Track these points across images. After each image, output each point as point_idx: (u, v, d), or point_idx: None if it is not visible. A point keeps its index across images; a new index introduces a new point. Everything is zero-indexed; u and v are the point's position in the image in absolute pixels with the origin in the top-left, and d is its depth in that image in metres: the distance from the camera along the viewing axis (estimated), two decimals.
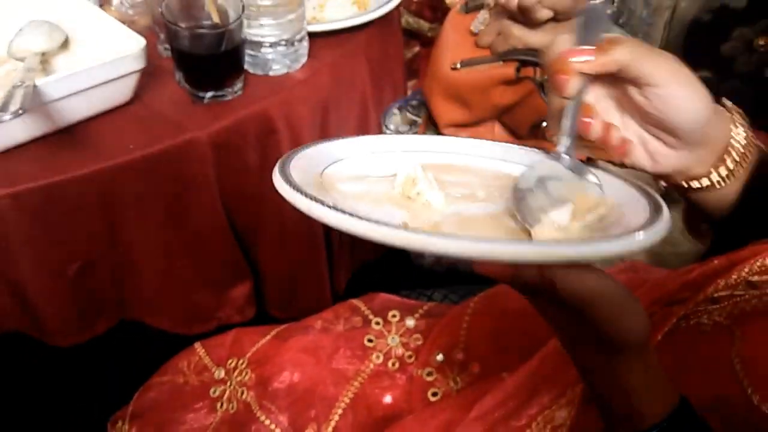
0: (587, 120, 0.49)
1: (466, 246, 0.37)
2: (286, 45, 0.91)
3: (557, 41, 0.51)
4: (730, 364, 0.46)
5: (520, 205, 0.49)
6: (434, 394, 0.68)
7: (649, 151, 0.52)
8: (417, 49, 1.66)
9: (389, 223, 0.39)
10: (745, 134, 0.52)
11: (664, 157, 0.52)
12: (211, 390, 0.72)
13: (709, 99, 0.50)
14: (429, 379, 0.69)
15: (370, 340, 0.72)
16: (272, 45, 0.90)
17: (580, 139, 0.50)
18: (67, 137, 0.78)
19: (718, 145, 0.52)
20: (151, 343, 0.87)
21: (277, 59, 0.91)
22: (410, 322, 0.73)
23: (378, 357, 0.71)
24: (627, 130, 0.52)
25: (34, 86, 0.71)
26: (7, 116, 0.65)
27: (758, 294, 0.48)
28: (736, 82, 0.79)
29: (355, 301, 0.77)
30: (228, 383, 0.72)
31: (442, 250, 0.37)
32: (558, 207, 0.48)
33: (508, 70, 0.95)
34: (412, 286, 0.87)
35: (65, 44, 0.88)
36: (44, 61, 0.85)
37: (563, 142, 0.50)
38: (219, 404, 0.71)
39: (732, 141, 0.52)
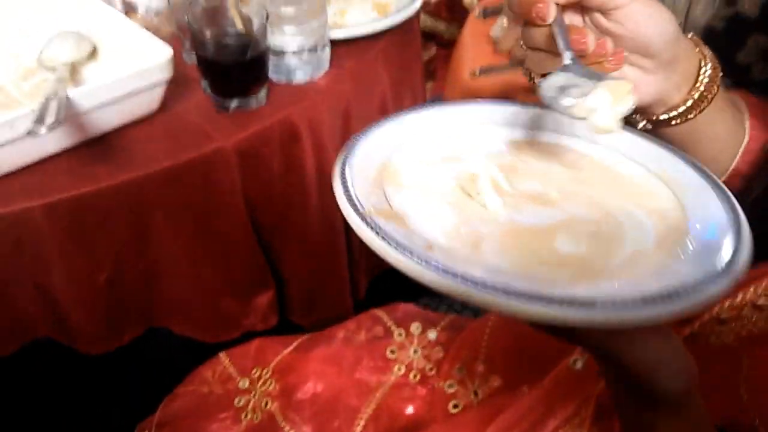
0: (581, 37, 0.49)
1: (489, 299, 0.37)
2: (309, 52, 0.92)
3: None
4: (737, 389, 0.46)
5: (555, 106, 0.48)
6: (455, 406, 0.69)
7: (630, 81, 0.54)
8: (434, 50, 1.67)
9: (414, 251, 0.39)
10: (710, 71, 0.55)
11: (644, 83, 0.54)
12: (236, 400, 0.73)
13: (673, 17, 0.52)
14: (450, 391, 0.70)
15: (392, 352, 0.74)
16: (295, 53, 0.91)
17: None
18: (97, 148, 0.79)
19: (689, 71, 0.55)
20: (177, 353, 0.89)
21: (300, 67, 0.92)
22: (432, 335, 0.74)
23: (400, 369, 0.72)
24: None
25: (67, 97, 0.73)
26: (43, 129, 0.66)
27: (765, 317, 0.49)
28: (755, 90, 0.79)
29: (378, 311, 0.79)
30: (252, 393, 0.74)
31: (465, 296, 0.37)
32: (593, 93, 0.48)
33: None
34: (433, 292, 0.88)
35: (93, 53, 0.90)
36: (73, 70, 0.86)
37: (566, 55, 0.49)
38: (243, 414, 0.72)
39: (699, 74, 0.55)
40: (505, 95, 0.97)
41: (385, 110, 1.06)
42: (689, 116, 0.55)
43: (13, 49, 0.91)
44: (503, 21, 1.01)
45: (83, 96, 0.75)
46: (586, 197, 0.51)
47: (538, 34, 0.51)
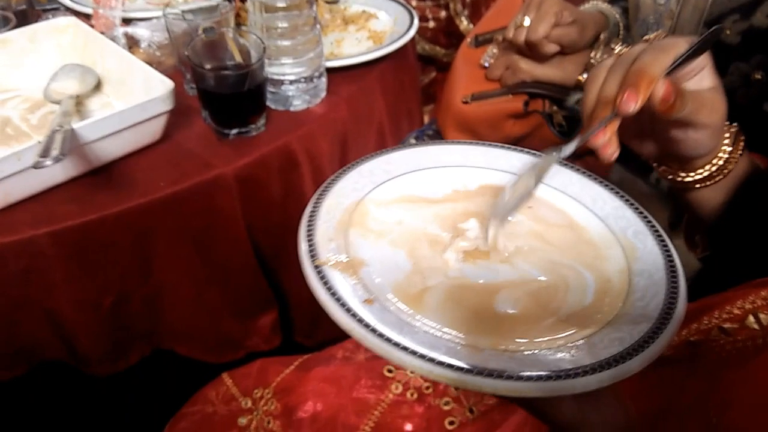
0: (603, 133, 0.51)
1: (413, 362, 0.40)
2: (305, 81, 0.95)
3: (666, 45, 0.51)
4: (708, 413, 0.47)
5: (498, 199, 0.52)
6: (451, 423, 0.70)
7: (641, 142, 0.57)
8: (434, 74, 1.70)
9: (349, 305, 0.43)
10: (730, 151, 0.57)
11: (648, 150, 0.57)
12: (239, 419, 0.75)
13: (717, 144, 0.54)
14: (446, 408, 0.72)
15: (389, 371, 0.75)
16: (293, 82, 0.94)
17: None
18: (101, 176, 0.82)
19: (698, 164, 0.57)
20: (181, 374, 0.91)
21: (297, 95, 0.95)
22: None
23: (397, 387, 0.74)
24: (636, 119, 0.54)
25: (71, 130, 0.76)
26: (48, 161, 0.69)
27: (732, 341, 0.50)
28: (738, 115, 0.82)
29: None
30: (255, 413, 0.75)
31: (396, 361, 0.41)
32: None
33: (518, 103, 0.98)
34: None
35: (97, 86, 0.93)
36: (78, 103, 0.90)
37: (571, 146, 0.52)
38: None
39: (716, 158, 0.57)
40: (494, 120, 1.00)
41: (382, 135, 1.09)
42: (707, 183, 0.58)
43: (21, 83, 0.94)
44: (493, 50, 1.04)
45: (88, 128, 0.78)
46: (542, 255, 0.52)
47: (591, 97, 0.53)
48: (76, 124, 0.77)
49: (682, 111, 0.50)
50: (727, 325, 0.51)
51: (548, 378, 0.40)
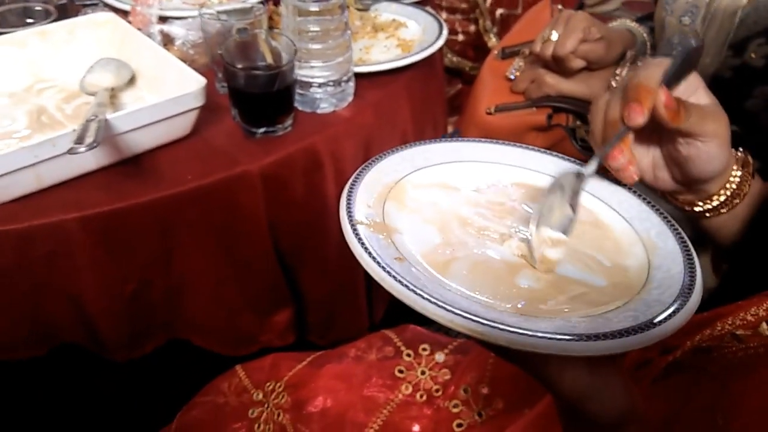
0: (619, 152, 0.54)
1: (434, 310, 0.43)
2: (333, 85, 0.97)
3: (649, 63, 0.54)
4: (718, 420, 0.48)
5: (537, 205, 0.55)
6: (459, 425, 0.71)
7: (655, 174, 0.58)
8: (459, 86, 1.72)
9: (385, 262, 0.46)
10: (741, 174, 0.58)
11: (665, 182, 0.58)
12: (250, 411, 0.76)
13: (729, 160, 0.55)
14: (455, 410, 0.72)
15: (400, 371, 0.76)
16: (321, 85, 0.96)
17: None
18: (131, 167, 0.84)
19: (713, 188, 0.58)
20: (196, 364, 0.92)
21: (325, 98, 0.97)
22: (440, 357, 0.77)
23: (407, 388, 0.75)
24: (648, 149, 0.57)
25: (105, 120, 0.78)
26: (82, 148, 0.71)
27: (744, 347, 0.50)
28: (762, 137, 0.81)
29: (388, 332, 0.81)
30: (265, 405, 0.76)
31: (420, 308, 0.44)
32: (552, 224, 0.55)
33: (541, 116, 0.99)
34: None
35: (132, 80, 0.96)
36: (112, 96, 0.92)
37: (592, 164, 0.56)
38: (257, 425, 0.75)
39: (727, 183, 0.58)
40: (517, 132, 1.01)
41: (405, 141, 1.09)
42: (721, 211, 0.59)
43: (58, 74, 0.97)
44: (519, 62, 1.05)
45: (121, 120, 0.80)
46: (567, 245, 0.55)
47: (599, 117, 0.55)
48: (110, 115, 0.79)
49: (688, 119, 0.51)
50: (740, 332, 0.51)
51: (567, 339, 0.42)
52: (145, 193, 0.81)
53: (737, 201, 0.58)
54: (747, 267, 0.63)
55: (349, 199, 0.53)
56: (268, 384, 0.78)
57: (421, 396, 0.74)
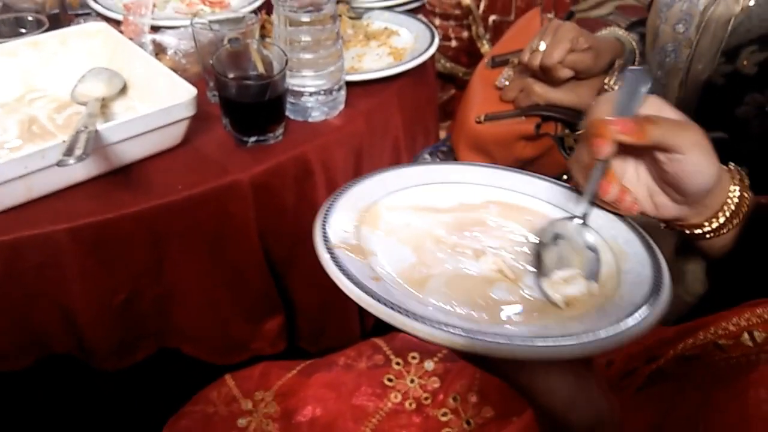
0: (608, 184, 0.55)
1: (413, 325, 0.44)
2: (325, 94, 0.97)
3: (599, 100, 0.56)
4: (701, 430, 0.48)
5: (537, 256, 0.55)
6: None
7: (655, 202, 0.57)
8: (452, 92, 1.73)
9: (359, 279, 0.47)
10: (739, 193, 0.58)
11: (667, 208, 0.57)
12: (239, 421, 0.76)
13: (719, 168, 0.55)
14: (444, 419, 0.73)
15: (390, 380, 0.76)
16: (312, 94, 0.96)
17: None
18: (121, 177, 0.84)
19: (715, 203, 0.57)
20: (185, 373, 0.92)
21: (316, 107, 0.97)
22: (429, 365, 0.77)
23: (396, 396, 0.75)
24: (639, 179, 0.57)
25: (96, 131, 0.78)
26: (71, 160, 0.71)
27: (726, 357, 0.51)
28: (752, 145, 0.81)
29: (377, 340, 0.81)
30: (254, 414, 0.76)
31: (400, 324, 0.44)
32: (564, 268, 0.54)
33: (530, 125, 0.99)
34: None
35: (123, 90, 0.96)
36: (104, 105, 0.92)
37: (582, 206, 0.57)
38: None
39: (728, 199, 0.57)
40: (506, 141, 1.01)
41: (397, 149, 1.10)
42: (722, 232, 0.59)
43: (49, 84, 0.98)
44: (509, 71, 1.06)
45: (112, 130, 0.80)
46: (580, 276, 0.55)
47: (585, 157, 0.56)
48: (101, 126, 0.79)
49: (658, 131, 0.52)
50: (722, 341, 0.52)
51: (544, 343, 0.43)
52: (135, 203, 0.81)
53: (737, 220, 0.58)
54: (732, 277, 0.64)
55: (324, 225, 0.53)
56: (257, 393, 0.78)
57: (411, 404, 0.75)
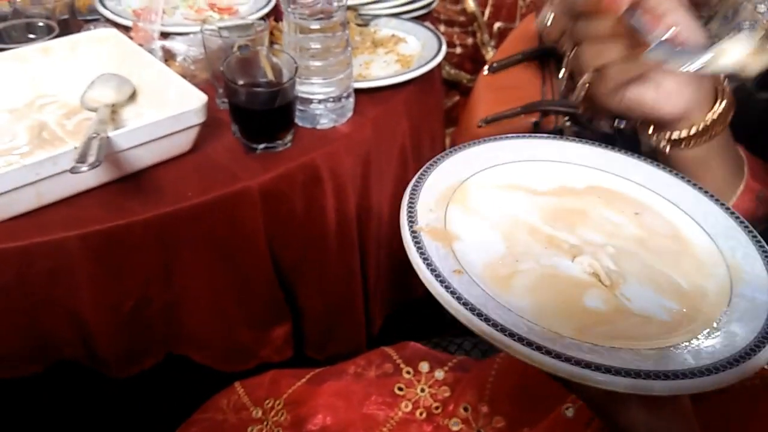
0: (655, 20, 0.52)
1: (504, 341, 0.40)
2: (334, 101, 0.97)
3: None
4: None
5: None
6: None
7: (660, 91, 0.57)
8: (457, 98, 1.73)
9: (441, 272, 0.44)
10: (723, 108, 0.59)
11: (679, 93, 0.57)
12: (249, 429, 0.76)
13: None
14: (455, 428, 0.73)
15: (400, 389, 0.76)
16: (321, 101, 0.96)
17: None
18: (131, 183, 0.84)
19: (711, 93, 0.59)
20: (194, 381, 0.92)
21: (324, 114, 0.97)
22: (439, 374, 0.77)
23: (407, 405, 0.75)
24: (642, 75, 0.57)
25: (107, 137, 0.78)
26: (84, 167, 0.71)
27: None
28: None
29: (388, 349, 0.81)
30: (264, 422, 0.76)
31: (487, 335, 0.41)
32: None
33: (530, 123, 0.99)
34: (444, 330, 0.91)
35: (132, 96, 0.96)
36: (113, 112, 0.92)
37: (655, 37, 0.52)
38: None
39: (717, 98, 0.59)
40: None
41: (404, 157, 1.10)
42: (703, 138, 0.58)
43: (59, 90, 0.97)
44: (550, 14, 1.02)
45: (122, 137, 0.80)
46: (640, 261, 0.51)
47: (601, 25, 0.54)
48: (112, 132, 0.79)
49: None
50: None
51: (626, 374, 0.39)
52: (145, 209, 0.81)
53: (719, 128, 0.59)
54: None
55: (411, 202, 0.50)
56: (267, 401, 0.78)
57: (421, 413, 0.74)
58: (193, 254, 0.86)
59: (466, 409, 0.73)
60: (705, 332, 0.45)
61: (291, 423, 0.75)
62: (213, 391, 0.82)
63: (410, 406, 0.75)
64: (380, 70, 1.12)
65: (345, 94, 0.98)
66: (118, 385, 0.92)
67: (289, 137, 0.94)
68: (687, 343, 0.44)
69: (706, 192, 0.57)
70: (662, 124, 0.61)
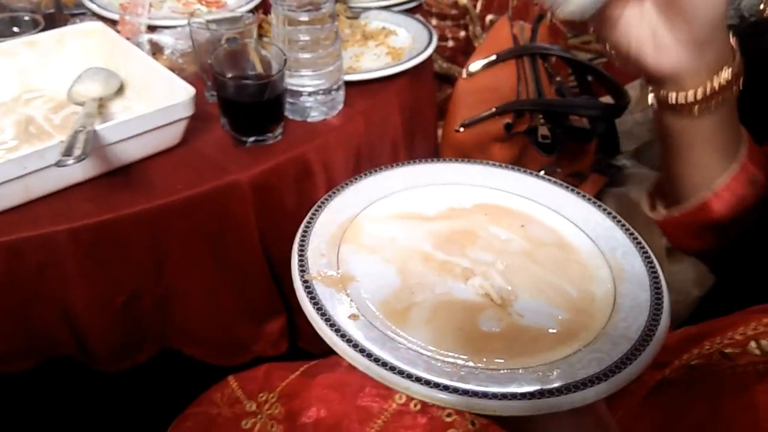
0: None
1: (401, 383, 0.44)
2: (324, 94, 0.97)
3: None
4: None
5: None
6: None
7: (657, 43, 0.56)
8: (449, 91, 1.72)
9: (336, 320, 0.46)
10: (728, 75, 0.57)
11: (667, 51, 0.56)
12: (243, 422, 0.75)
13: (727, 5, 0.53)
14: (448, 420, 0.72)
15: None
16: (311, 94, 0.96)
17: None
18: (120, 177, 0.84)
19: (714, 65, 0.56)
20: (188, 375, 0.91)
21: (315, 107, 0.97)
22: None
23: (401, 397, 0.74)
24: (642, 17, 0.55)
25: (94, 131, 0.78)
26: (71, 160, 0.71)
27: (732, 365, 0.50)
28: None
29: None
30: (258, 416, 0.75)
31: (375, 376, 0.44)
32: None
33: (501, 125, 0.99)
34: None
35: (120, 90, 0.95)
36: (101, 105, 0.92)
37: None
38: None
39: (721, 73, 0.56)
40: (481, 144, 1.01)
41: (396, 149, 1.10)
42: (695, 108, 0.57)
43: (46, 84, 0.97)
44: None
45: (110, 130, 0.80)
46: (529, 275, 0.53)
47: None
48: (99, 126, 0.79)
49: None
50: (728, 350, 0.51)
51: (531, 396, 0.41)
52: (134, 203, 0.80)
53: (714, 102, 0.57)
54: (735, 277, 0.63)
55: (301, 250, 0.51)
56: (261, 394, 0.77)
57: (415, 405, 0.74)
58: (184, 248, 0.85)
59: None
60: (596, 336, 0.47)
61: (285, 416, 0.74)
62: (207, 385, 0.81)
63: (404, 398, 0.74)
64: (371, 62, 1.12)
65: (335, 87, 0.98)
66: (112, 380, 0.91)
67: (279, 130, 0.93)
68: (583, 350, 0.46)
69: (584, 196, 0.59)
70: (657, 80, 0.59)
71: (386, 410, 0.74)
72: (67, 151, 0.72)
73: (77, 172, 0.80)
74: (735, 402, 0.47)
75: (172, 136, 0.87)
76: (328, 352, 0.85)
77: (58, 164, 0.71)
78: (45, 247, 0.77)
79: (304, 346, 1.05)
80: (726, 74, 0.57)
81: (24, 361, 0.84)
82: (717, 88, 0.57)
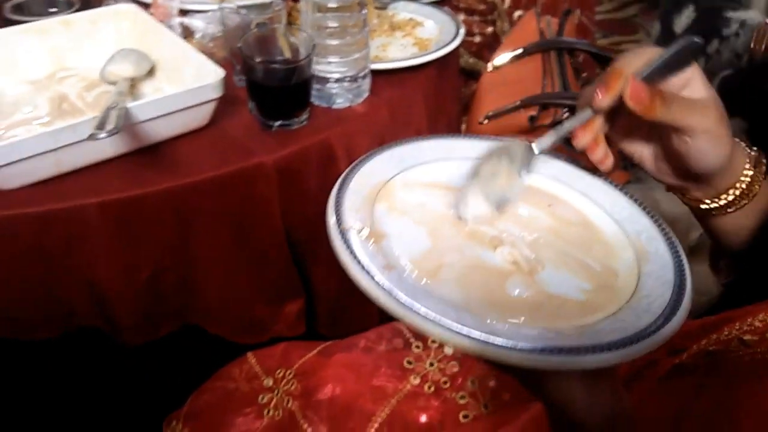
0: (582, 131, 0.54)
1: (423, 324, 0.43)
2: (350, 81, 0.98)
3: (642, 51, 0.53)
4: (725, 422, 0.48)
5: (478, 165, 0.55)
6: (465, 417, 0.72)
7: (657, 165, 0.57)
8: (475, 86, 1.72)
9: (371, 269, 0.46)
10: (750, 179, 0.57)
11: (667, 176, 0.57)
12: (260, 397, 0.77)
13: (729, 151, 0.54)
14: (462, 402, 0.73)
15: (409, 362, 0.77)
16: (337, 80, 0.97)
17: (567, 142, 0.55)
18: (149, 155, 0.85)
19: (721, 185, 0.57)
20: (208, 349, 0.93)
21: (340, 93, 0.98)
22: (449, 350, 0.77)
23: (415, 378, 0.75)
24: (649, 137, 0.56)
25: (126, 108, 0.80)
26: (102, 134, 0.72)
27: (751, 352, 0.50)
28: None
29: (398, 324, 0.82)
30: (275, 392, 0.77)
31: (409, 321, 0.43)
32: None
33: (525, 118, 0.99)
34: None
35: (151, 71, 0.97)
36: (132, 86, 0.94)
37: (546, 139, 0.55)
38: (266, 410, 0.76)
39: (738, 182, 0.57)
40: (503, 136, 1.01)
41: None
42: (727, 210, 0.58)
43: (79, 63, 0.99)
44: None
45: (141, 108, 0.81)
46: (555, 249, 0.54)
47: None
48: (131, 104, 0.80)
49: (665, 113, 0.51)
50: (747, 337, 0.51)
51: (557, 351, 0.42)
52: (162, 181, 0.82)
53: (745, 201, 0.57)
54: (754, 273, 0.63)
55: (337, 204, 0.52)
56: (278, 371, 0.79)
57: (429, 387, 0.75)
58: (208, 227, 0.87)
59: (473, 384, 0.73)
60: (619, 309, 0.48)
61: (301, 392, 0.76)
62: (226, 360, 0.83)
63: (419, 380, 0.75)
64: (397, 52, 1.13)
65: (361, 74, 0.99)
66: (132, 354, 0.93)
67: (305, 115, 0.94)
68: (606, 319, 0.47)
69: (611, 183, 0.60)
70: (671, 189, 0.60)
71: (400, 391, 0.75)
72: (100, 126, 0.74)
73: (107, 148, 0.82)
74: (751, 388, 0.47)
75: (201, 116, 0.89)
76: (344, 336, 0.86)
77: (91, 137, 0.73)
78: (74, 219, 0.79)
79: (321, 330, 1.06)
80: (745, 179, 0.57)
81: (49, 330, 0.87)
82: (738, 194, 0.57)
